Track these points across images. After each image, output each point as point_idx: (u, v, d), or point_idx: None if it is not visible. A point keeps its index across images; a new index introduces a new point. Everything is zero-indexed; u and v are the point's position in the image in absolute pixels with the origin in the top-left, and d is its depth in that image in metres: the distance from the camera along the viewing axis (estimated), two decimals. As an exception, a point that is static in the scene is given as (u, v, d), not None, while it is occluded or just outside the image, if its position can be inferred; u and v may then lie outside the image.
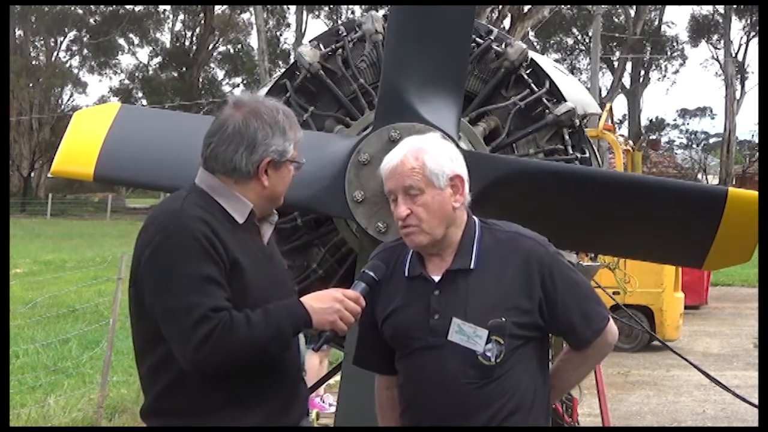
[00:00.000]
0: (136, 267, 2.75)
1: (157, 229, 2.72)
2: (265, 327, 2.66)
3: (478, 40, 3.99)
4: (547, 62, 4.42)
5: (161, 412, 2.81)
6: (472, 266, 2.82)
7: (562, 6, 43.42)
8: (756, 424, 4.17)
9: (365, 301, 2.81)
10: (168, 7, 56.82)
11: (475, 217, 2.91)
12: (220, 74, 60.67)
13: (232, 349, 2.63)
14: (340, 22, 14.91)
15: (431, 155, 2.81)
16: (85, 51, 57.13)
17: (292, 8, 50.55)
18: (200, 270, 2.65)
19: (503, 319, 2.77)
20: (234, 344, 2.63)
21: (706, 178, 52.32)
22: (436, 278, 2.84)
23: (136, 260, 2.75)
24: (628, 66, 55.88)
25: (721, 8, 52.42)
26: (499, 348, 2.77)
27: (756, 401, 4.02)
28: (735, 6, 50.16)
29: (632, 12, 51.86)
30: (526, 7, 27.11)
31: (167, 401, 2.79)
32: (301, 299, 2.75)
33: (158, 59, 58.86)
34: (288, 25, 57.58)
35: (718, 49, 55.01)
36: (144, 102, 52.85)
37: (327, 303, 2.74)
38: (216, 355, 2.62)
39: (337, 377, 3.62)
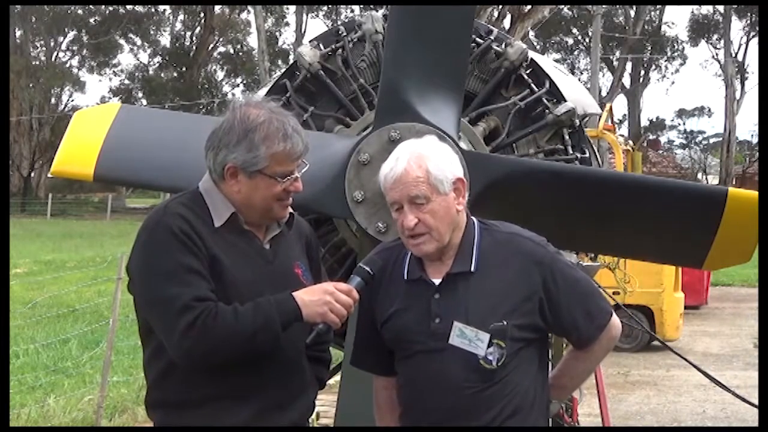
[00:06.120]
0: (127, 265, 2.82)
1: (142, 228, 2.79)
2: (252, 318, 2.66)
3: (478, 40, 3.99)
4: (547, 62, 4.42)
5: (150, 402, 2.87)
6: (472, 269, 2.80)
7: (562, 6, 43.36)
8: (756, 424, 4.17)
9: (360, 295, 2.80)
10: (168, 7, 56.87)
11: (474, 219, 2.90)
12: (220, 74, 60.73)
13: (217, 338, 2.63)
14: (339, 22, 14.89)
15: (434, 161, 2.78)
16: (85, 51, 57.12)
17: (292, 8, 50.53)
18: (180, 261, 2.67)
19: (504, 323, 2.76)
20: (219, 333, 2.63)
21: (706, 178, 52.31)
22: (437, 281, 2.82)
23: (129, 259, 2.82)
24: (628, 66, 55.89)
25: (721, 8, 52.41)
26: (501, 351, 2.76)
27: (756, 401, 4.01)
28: (735, 6, 50.14)
29: (632, 12, 51.86)
30: (526, 7, 27.08)
31: (157, 392, 2.84)
32: (293, 293, 2.74)
33: (158, 59, 58.91)
34: (287, 25, 57.71)
35: (718, 49, 55.03)
36: (144, 102, 52.81)
37: (317, 295, 2.73)
38: (201, 344, 2.63)
39: (337, 377, 3.61)
